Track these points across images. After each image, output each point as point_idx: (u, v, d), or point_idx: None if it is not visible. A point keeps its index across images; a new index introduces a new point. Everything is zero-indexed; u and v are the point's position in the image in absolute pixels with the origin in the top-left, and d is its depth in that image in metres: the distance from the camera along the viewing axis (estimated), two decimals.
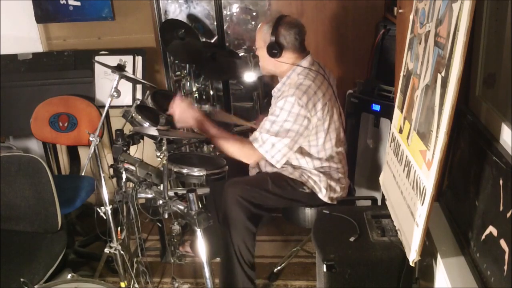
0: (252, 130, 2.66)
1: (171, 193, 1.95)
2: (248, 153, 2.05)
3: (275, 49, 2.05)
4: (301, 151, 2.13)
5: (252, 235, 2.09)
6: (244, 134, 2.75)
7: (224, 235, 2.08)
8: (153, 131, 1.84)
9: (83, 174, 2.73)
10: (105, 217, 1.99)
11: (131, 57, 2.80)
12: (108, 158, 3.09)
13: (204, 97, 3.13)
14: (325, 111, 2.05)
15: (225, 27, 3.13)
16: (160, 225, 2.48)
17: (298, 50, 2.11)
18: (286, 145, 2.00)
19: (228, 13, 3.59)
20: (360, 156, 2.79)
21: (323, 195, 2.13)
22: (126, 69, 2.16)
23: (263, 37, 2.10)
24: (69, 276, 1.59)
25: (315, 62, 2.16)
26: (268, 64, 2.15)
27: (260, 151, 2.02)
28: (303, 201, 2.19)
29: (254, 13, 3.66)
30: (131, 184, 1.94)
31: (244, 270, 2.09)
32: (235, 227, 2.04)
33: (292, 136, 2.00)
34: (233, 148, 2.06)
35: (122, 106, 2.49)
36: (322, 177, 2.13)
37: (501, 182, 1.19)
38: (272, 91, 2.21)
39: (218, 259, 2.46)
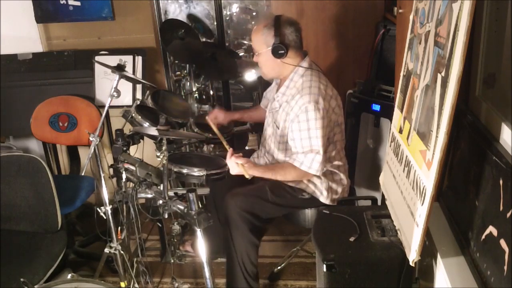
0: (252, 129, 2.66)
1: (171, 193, 1.95)
2: (302, 175, 2.06)
3: (281, 50, 2.02)
4: None
5: (255, 248, 2.10)
6: (244, 135, 2.76)
7: (228, 247, 2.09)
8: (153, 131, 1.84)
9: (83, 174, 2.73)
10: (105, 217, 1.99)
11: (131, 57, 2.79)
12: (108, 158, 3.09)
13: (204, 97, 3.13)
14: (337, 106, 2.08)
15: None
16: (160, 225, 2.48)
17: (299, 49, 2.10)
18: (323, 153, 2.01)
19: (228, 13, 3.60)
20: (360, 156, 2.79)
21: (324, 198, 2.13)
22: (126, 69, 2.16)
23: (264, 40, 2.06)
24: (69, 276, 1.59)
25: (312, 62, 2.16)
26: (271, 67, 2.12)
27: (310, 172, 2.03)
28: (303, 206, 2.19)
29: (254, 13, 3.66)
30: (131, 184, 1.94)
31: (248, 281, 2.11)
32: (237, 239, 2.05)
33: (325, 141, 2.02)
34: (291, 176, 2.07)
35: (122, 106, 2.49)
36: (323, 179, 2.12)
37: (501, 182, 1.19)
38: (275, 95, 2.18)
39: (218, 259, 2.47)
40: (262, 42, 2.07)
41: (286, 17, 2.08)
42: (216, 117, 2.41)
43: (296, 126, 2.01)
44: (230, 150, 2.02)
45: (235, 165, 1.99)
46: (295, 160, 2.04)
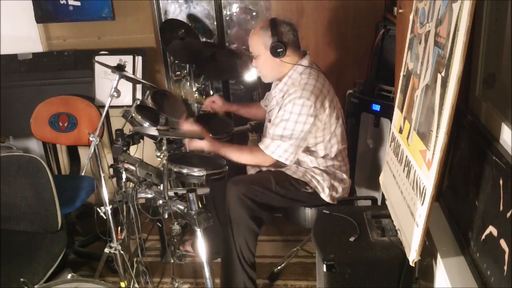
0: (252, 129, 2.66)
1: (171, 193, 1.95)
2: (263, 159, 2.10)
3: (280, 48, 2.04)
4: (307, 149, 2.13)
5: (254, 235, 2.09)
6: (244, 135, 2.76)
7: (226, 233, 2.08)
8: (153, 131, 1.84)
9: (83, 174, 2.73)
10: (105, 217, 1.99)
11: (131, 57, 2.80)
12: (108, 158, 3.09)
13: (204, 97, 3.13)
14: (331, 108, 2.08)
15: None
16: (160, 225, 2.48)
17: (297, 48, 2.12)
18: (295, 145, 2.04)
19: (228, 13, 3.59)
20: (360, 156, 2.79)
21: (325, 195, 2.13)
22: (126, 69, 2.16)
23: (262, 41, 2.08)
24: (69, 276, 1.59)
25: (312, 62, 2.16)
26: (271, 68, 2.13)
27: (273, 157, 2.06)
28: (305, 201, 2.19)
29: (254, 13, 3.66)
30: (131, 184, 1.94)
31: (245, 269, 2.09)
32: (237, 225, 2.04)
33: (302, 135, 2.04)
34: (246, 158, 2.14)
35: (122, 106, 2.49)
36: (326, 176, 2.13)
37: (501, 182, 1.19)
38: (273, 92, 2.20)
39: (218, 259, 2.47)
40: (260, 43, 2.09)
41: (282, 18, 2.11)
42: (214, 101, 2.45)
43: (280, 113, 2.05)
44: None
45: (189, 127, 2.07)
46: (261, 143, 2.07)
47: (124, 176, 1.95)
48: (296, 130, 2.01)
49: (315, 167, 2.15)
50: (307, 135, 2.06)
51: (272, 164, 2.12)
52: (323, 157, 2.15)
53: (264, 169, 2.26)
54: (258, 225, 2.09)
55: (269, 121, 2.17)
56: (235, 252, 2.07)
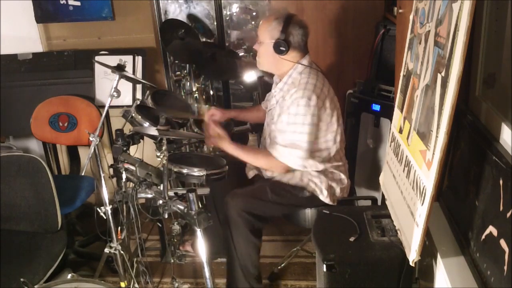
0: (252, 129, 2.66)
1: (171, 193, 1.95)
2: (277, 166, 2.10)
3: (282, 46, 2.04)
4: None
5: (256, 249, 2.10)
6: (244, 135, 2.75)
7: (229, 250, 2.09)
8: (153, 131, 1.84)
9: (83, 174, 2.73)
10: (105, 217, 1.99)
11: (131, 57, 2.79)
12: (108, 158, 3.09)
13: (204, 97, 3.13)
14: (332, 107, 2.08)
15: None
16: (160, 225, 2.48)
17: (302, 50, 2.11)
18: (307, 150, 2.03)
19: (228, 13, 3.60)
20: (360, 156, 2.79)
21: (324, 197, 2.12)
22: (126, 69, 2.16)
23: (270, 32, 2.07)
24: (69, 276, 1.59)
25: (312, 62, 2.16)
26: (268, 60, 2.12)
27: (288, 164, 2.06)
28: (304, 205, 2.19)
29: (254, 13, 3.66)
30: (131, 184, 1.94)
31: (251, 283, 2.11)
32: (239, 242, 2.05)
33: (312, 138, 2.03)
34: (261, 163, 2.17)
35: (122, 106, 2.49)
36: (323, 178, 2.12)
37: (501, 182, 1.19)
38: (274, 91, 2.20)
39: (218, 259, 2.47)
40: (267, 32, 2.08)
41: (298, 18, 2.10)
42: (213, 114, 2.43)
43: (285, 118, 2.04)
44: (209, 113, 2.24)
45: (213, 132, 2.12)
46: (274, 150, 2.06)
47: (124, 176, 1.94)
48: (305, 132, 2.00)
49: (312, 170, 2.15)
50: (314, 137, 2.04)
51: (285, 170, 2.12)
52: (323, 158, 2.15)
53: (264, 172, 2.26)
54: (259, 238, 2.10)
55: (272, 119, 2.17)
56: (239, 268, 2.08)
